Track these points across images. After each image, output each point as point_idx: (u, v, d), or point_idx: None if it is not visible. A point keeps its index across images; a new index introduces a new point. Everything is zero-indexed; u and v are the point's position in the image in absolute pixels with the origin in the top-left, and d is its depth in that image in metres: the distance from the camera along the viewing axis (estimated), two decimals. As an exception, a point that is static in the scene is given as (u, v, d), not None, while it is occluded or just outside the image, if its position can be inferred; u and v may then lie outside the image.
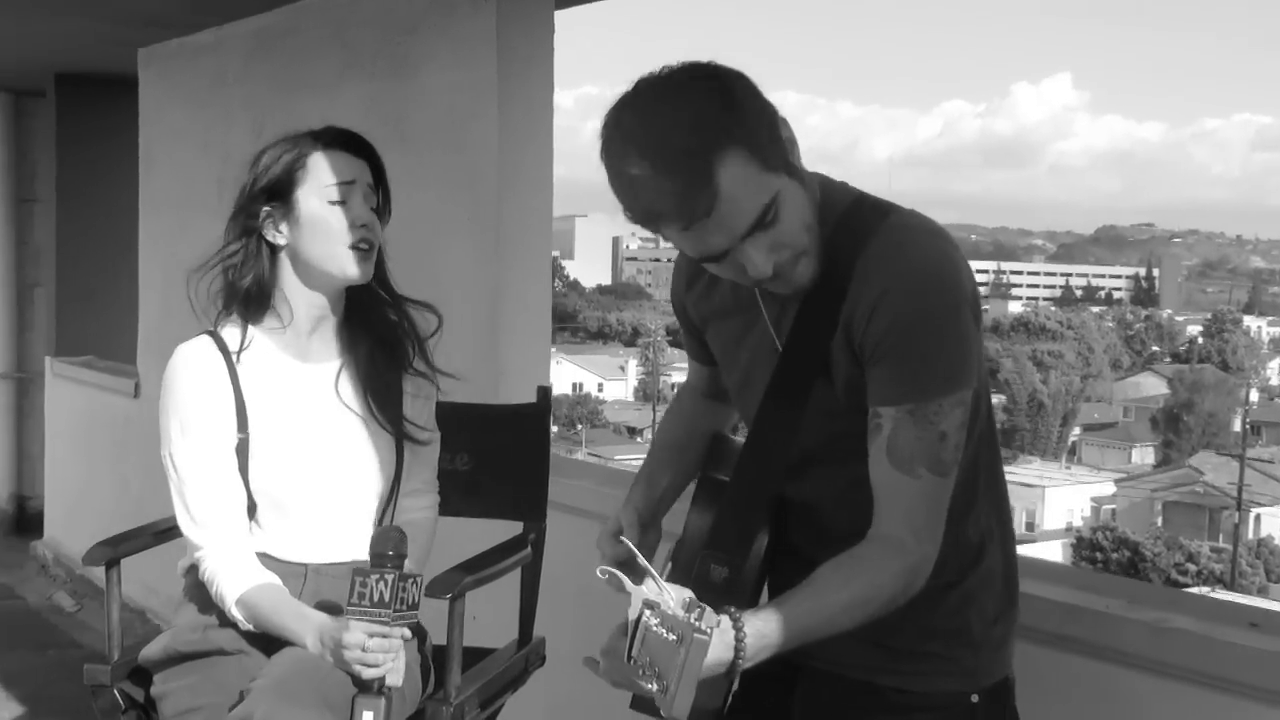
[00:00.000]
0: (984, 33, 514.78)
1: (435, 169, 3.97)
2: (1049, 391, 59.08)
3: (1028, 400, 58.33)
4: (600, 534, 2.04)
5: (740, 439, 2.07)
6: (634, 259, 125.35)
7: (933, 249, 1.81)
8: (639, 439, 54.50)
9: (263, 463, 2.37)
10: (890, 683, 1.92)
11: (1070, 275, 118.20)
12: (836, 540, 1.80)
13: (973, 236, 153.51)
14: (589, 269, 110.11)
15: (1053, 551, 34.38)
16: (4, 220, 7.72)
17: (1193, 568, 33.04)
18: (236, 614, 2.28)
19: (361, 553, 2.15)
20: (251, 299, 2.42)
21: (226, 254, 2.42)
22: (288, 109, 4.71)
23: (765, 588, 1.96)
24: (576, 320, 79.96)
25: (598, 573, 1.65)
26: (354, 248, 2.39)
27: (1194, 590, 15.21)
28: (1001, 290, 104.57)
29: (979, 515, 1.93)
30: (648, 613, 1.59)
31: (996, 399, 40.96)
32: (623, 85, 1.76)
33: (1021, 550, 2.13)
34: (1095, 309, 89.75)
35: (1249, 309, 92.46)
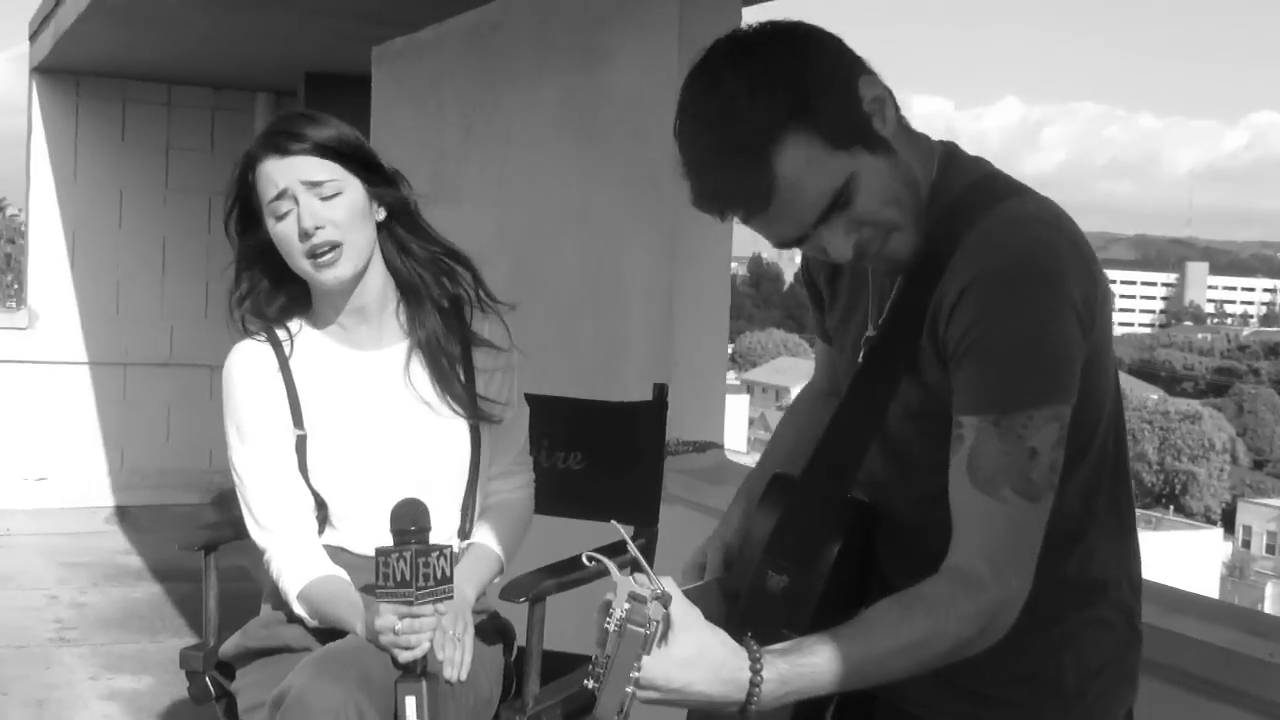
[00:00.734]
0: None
1: (620, 165, 3.89)
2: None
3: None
4: (685, 566, 1.88)
5: None
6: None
7: (1039, 239, 1.57)
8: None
9: (323, 458, 2.34)
10: None
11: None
12: (923, 566, 1.58)
13: (1278, 255, 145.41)
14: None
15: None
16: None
17: None
18: (299, 609, 2.26)
19: (440, 539, 2.08)
20: (271, 305, 2.39)
21: (245, 285, 2.40)
22: (493, 104, 4.72)
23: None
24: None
25: (583, 559, 1.50)
26: (309, 258, 2.30)
27: None
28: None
29: (1092, 553, 1.68)
30: (626, 606, 1.44)
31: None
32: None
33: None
34: None
35: None
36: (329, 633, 2.25)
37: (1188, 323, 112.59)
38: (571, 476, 2.55)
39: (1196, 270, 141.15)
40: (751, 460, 2.54)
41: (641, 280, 3.75)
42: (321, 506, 2.36)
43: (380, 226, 2.38)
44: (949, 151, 1.69)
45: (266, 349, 2.38)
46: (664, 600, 1.44)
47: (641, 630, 1.41)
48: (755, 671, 1.48)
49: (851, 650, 1.52)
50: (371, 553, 2.15)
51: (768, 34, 1.59)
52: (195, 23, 6.04)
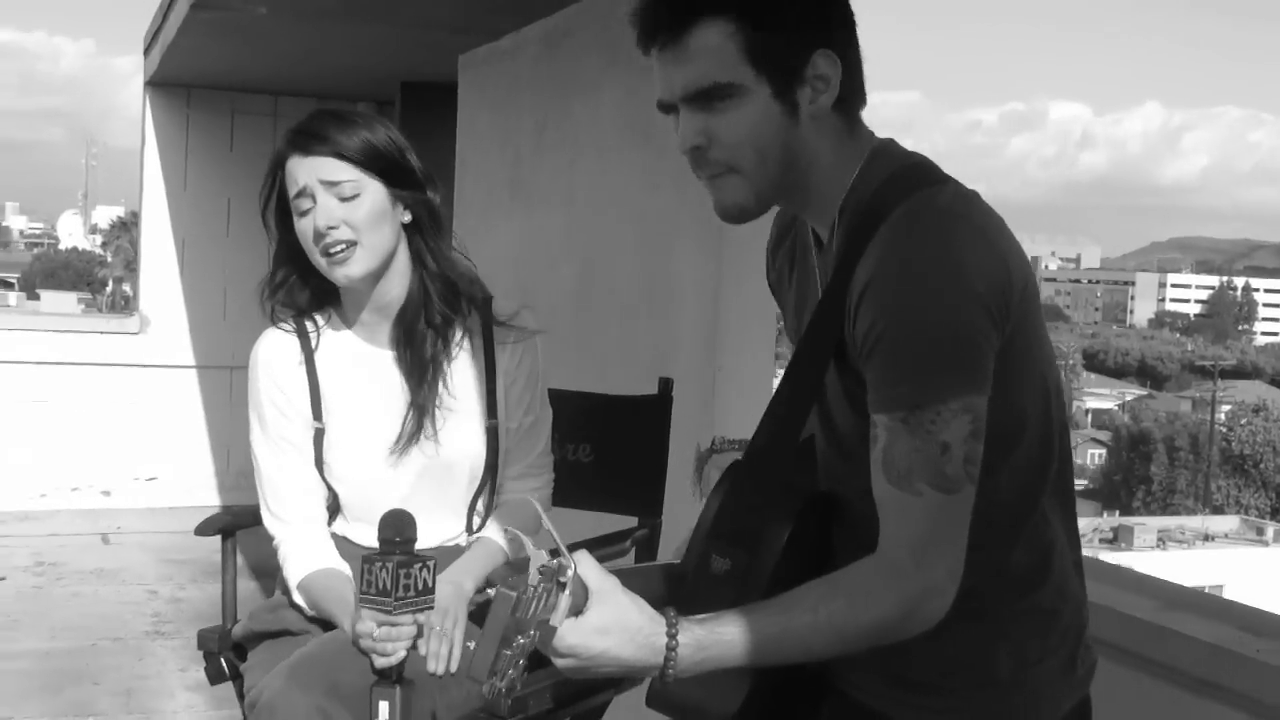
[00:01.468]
0: None
1: (671, 166, 3.93)
2: None
3: None
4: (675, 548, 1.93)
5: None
6: (1052, 279, 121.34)
7: (942, 233, 1.57)
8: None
9: (341, 452, 2.41)
10: (909, 718, 1.72)
11: None
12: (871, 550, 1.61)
13: None
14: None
15: None
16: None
17: None
18: (298, 598, 2.34)
19: (452, 539, 2.14)
20: (300, 296, 2.46)
21: (278, 278, 2.48)
22: (562, 110, 4.80)
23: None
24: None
25: (501, 532, 1.55)
26: (325, 255, 2.36)
27: None
28: None
29: (1031, 543, 1.68)
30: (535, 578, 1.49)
31: None
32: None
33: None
34: None
35: None
36: (327, 621, 2.33)
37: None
38: (580, 469, 2.60)
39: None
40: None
41: (692, 279, 3.79)
42: (334, 498, 2.44)
43: (407, 229, 2.44)
44: (880, 148, 1.70)
45: (293, 340, 2.45)
46: (557, 571, 1.48)
47: (512, 594, 1.46)
48: (671, 636, 1.53)
49: (770, 623, 1.56)
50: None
51: None
52: (293, 35, 6.23)
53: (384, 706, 1.99)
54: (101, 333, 8.12)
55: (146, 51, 7.78)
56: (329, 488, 2.43)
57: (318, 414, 2.43)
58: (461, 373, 2.44)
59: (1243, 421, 50.89)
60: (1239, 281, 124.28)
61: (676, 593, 1.72)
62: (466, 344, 2.47)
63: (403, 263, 2.43)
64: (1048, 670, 1.70)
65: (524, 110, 5.21)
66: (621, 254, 4.29)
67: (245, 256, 8.00)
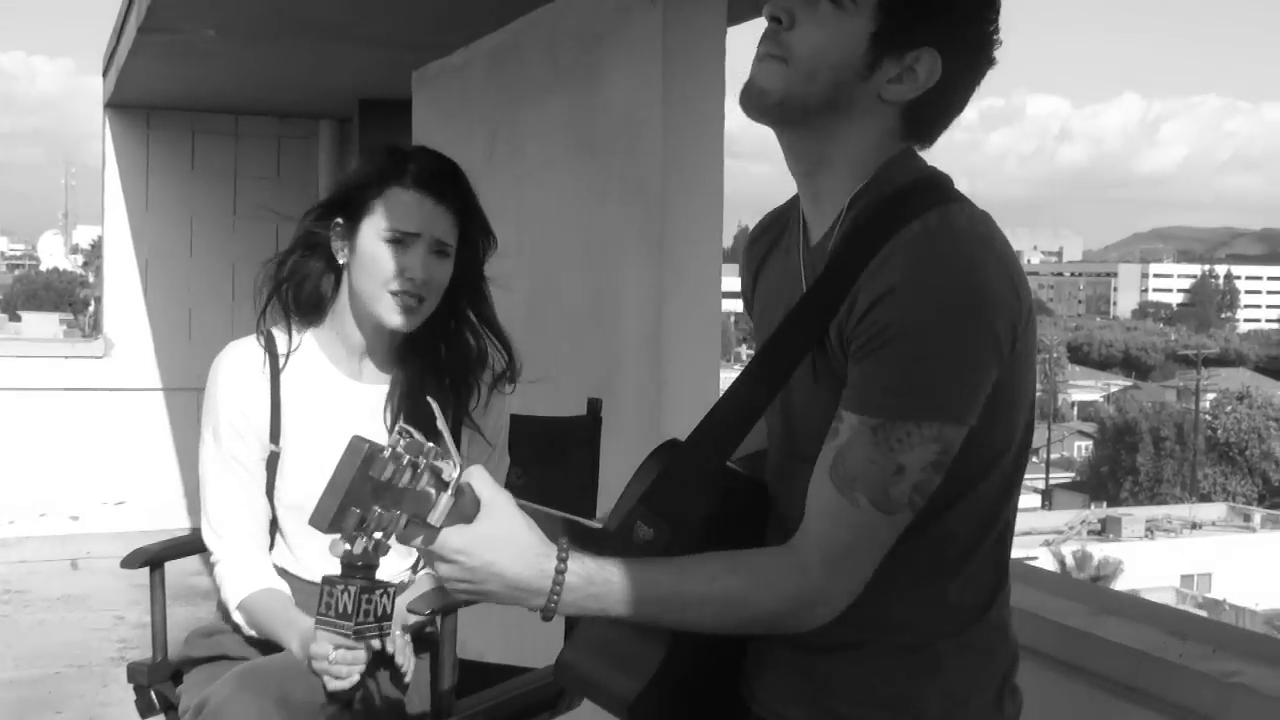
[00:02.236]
0: None
1: (615, 180, 3.94)
2: None
3: None
4: None
5: None
6: (1035, 273, 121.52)
7: (972, 259, 1.52)
8: (1034, 458, 52.73)
9: (291, 479, 2.38)
10: None
11: None
12: None
13: None
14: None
15: None
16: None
17: None
18: (238, 618, 2.32)
19: (396, 575, 2.12)
20: (303, 304, 2.42)
21: (287, 255, 2.42)
22: (511, 123, 4.80)
23: None
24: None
25: (396, 430, 1.49)
26: (397, 295, 2.33)
27: None
28: None
29: (974, 577, 1.63)
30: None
31: None
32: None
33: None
34: None
35: None
36: (267, 643, 2.32)
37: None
38: (512, 491, 2.58)
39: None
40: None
41: (636, 293, 3.78)
42: (276, 526, 2.42)
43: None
44: (907, 150, 1.65)
45: (260, 355, 2.42)
46: (428, 455, 1.44)
47: (364, 444, 1.41)
48: (561, 560, 1.50)
49: (662, 582, 1.53)
50: (316, 578, 2.19)
51: None
52: (248, 56, 6.21)
53: None
54: (67, 357, 8.09)
55: (105, 73, 7.76)
56: (274, 513, 2.41)
57: (275, 437, 2.40)
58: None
59: (1227, 409, 51.01)
60: (1220, 270, 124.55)
61: (587, 550, 1.64)
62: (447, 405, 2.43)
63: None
64: (976, 710, 1.65)
65: (475, 124, 5.21)
66: (569, 267, 4.29)
67: (209, 276, 8.00)
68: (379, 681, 2.21)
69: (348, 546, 1.47)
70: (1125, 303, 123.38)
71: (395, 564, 2.29)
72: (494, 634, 2.51)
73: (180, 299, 7.97)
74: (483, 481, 1.52)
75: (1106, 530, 38.32)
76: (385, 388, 2.43)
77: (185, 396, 7.92)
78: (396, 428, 1.45)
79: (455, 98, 5.49)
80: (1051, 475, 51.29)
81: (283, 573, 2.40)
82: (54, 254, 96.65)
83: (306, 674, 2.09)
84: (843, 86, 1.58)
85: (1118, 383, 70.69)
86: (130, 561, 2.57)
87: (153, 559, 2.57)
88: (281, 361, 2.41)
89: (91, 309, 56.18)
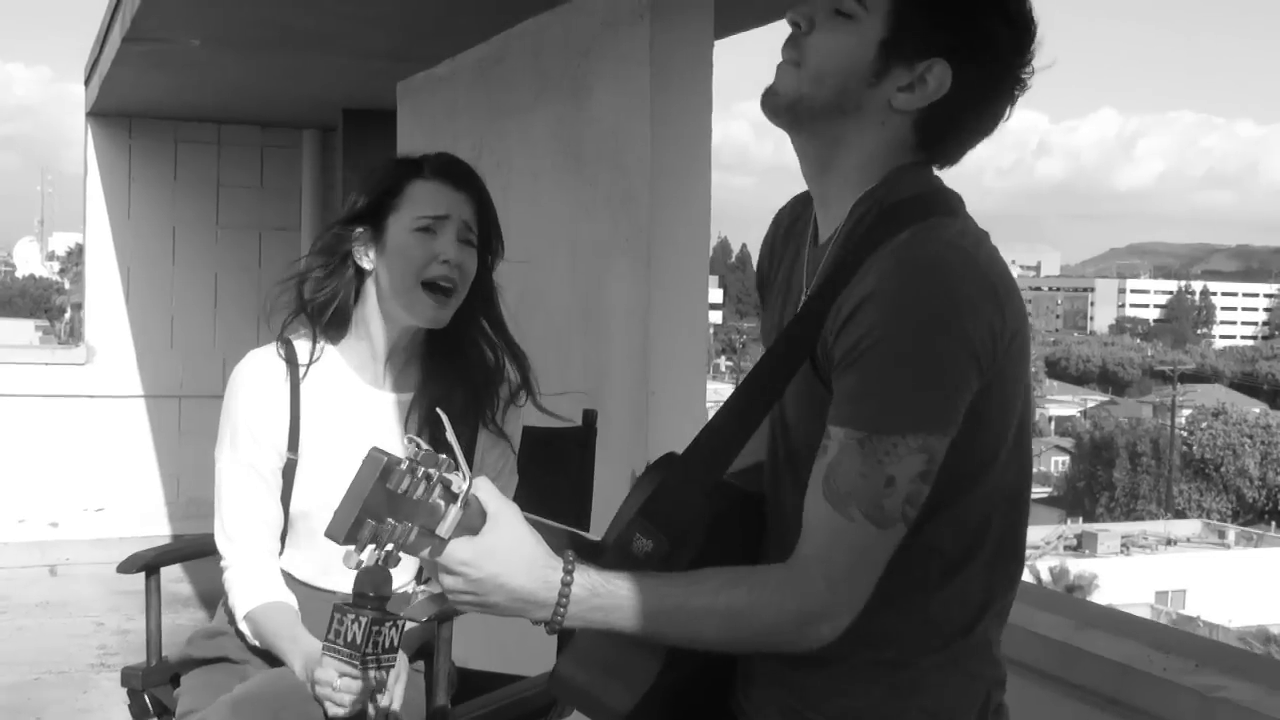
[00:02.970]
0: None
1: (603, 192, 3.96)
2: None
3: None
4: None
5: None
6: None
7: (947, 266, 1.53)
8: (1011, 473, 52.78)
9: (306, 487, 2.38)
10: None
11: None
12: None
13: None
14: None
15: None
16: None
17: None
18: (244, 628, 2.33)
19: (401, 586, 2.13)
20: (328, 317, 2.42)
21: (308, 267, 2.43)
22: (497, 135, 4.81)
23: None
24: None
25: (408, 440, 1.50)
26: (430, 286, 2.34)
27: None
28: None
29: (962, 594, 1.63)
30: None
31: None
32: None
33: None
34: None
35: None
36: (269, 652, 2.32)
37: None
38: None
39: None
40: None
41: (623, 304, 3.80)
42: (289, 532, 2.42)
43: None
44: (920, 164, 1.66)
45: (281, 366, 2.42)
46: (440, 468, 1.45)
47: (383, 457, 1.42)
48: (567, 573, 1.51)
49: (667, 596, 1.54)
50: (322, 585, 2.18)
51: None
52: (232, 65, 6.22)
53: None
54: (47, 364, 8.07)
55: (87, 82, 7.75)
56: (288, 520, 2.41)
57: (293, 445, 2.41)
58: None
59: (1203, 425, 51.26)
60: (1196, 286, 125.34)
61: (588, 561, 1.65)
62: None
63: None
64: None
65: (460, 136, 5.21)
66: (556, 279, 4.30)
67: (191, 284, 7.99)
68: (379, 709, 2.21)
69: (361, 558, 1.47)
70: (1102, 318, 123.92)
71: (399, 576, 2.30)
72: (485, 642, 2.51)
73: (162, 307, 7.97)
74: (489, 493, 1.52)
75: (1083, 545, 38.44)
76: (408, 395, 2.45)
77: (167, 404, 7.92)
78: (407, 438, 1.47)
79: (441, 109, 5.50)
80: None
81: (291, 579, 2.40)
82: (30, 261, 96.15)
83: (303, 698, 2.09)
84: (849, 92, 1.60)
85: (1095, 398, 70.96)
86: (127, 566, 2.59)
87: (148, 564, 2.57)
88: (302, 371, 2.41)
89: (68, 316, 55.95)
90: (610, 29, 3.90)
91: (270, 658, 2.32)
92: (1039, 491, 52.50)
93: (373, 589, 1.95)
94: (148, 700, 2.48)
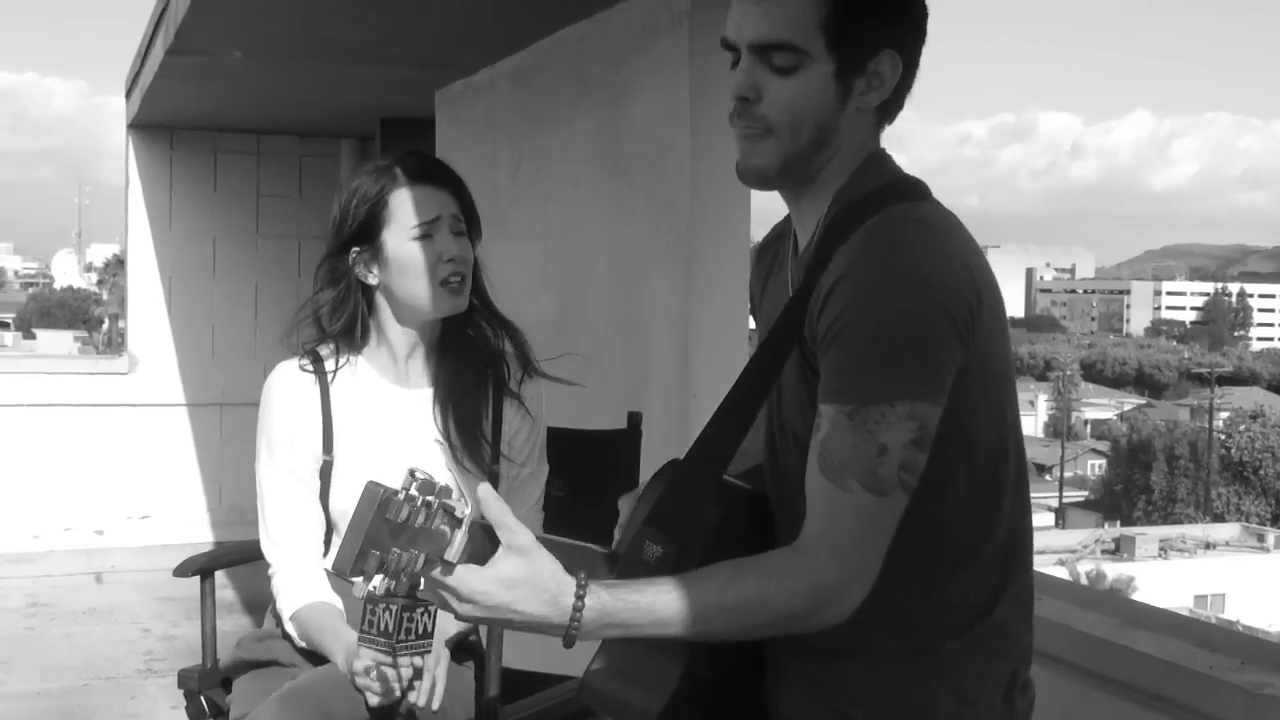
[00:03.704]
0: None
1: (642, 198, 3.99)
2: None
3: None
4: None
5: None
6: (1047, 290, 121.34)
7: (918, 243, 1.59)
8: (1047, 476, 52.67)
9: (344, 486, 2.45)
10: None
11: None
12: None
13: None
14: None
15: None
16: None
17: None
18: (290, 629, 2.37)
19: None
20: (346, 337, 2.49)
21: (319, 302, 2.50)
22: (536, 143, 4.86)
23: None
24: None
25: (407, 472, 1.53)
26: (443, 283, 2.43)
27: None
28: None
29: (978, 576, 1.67)
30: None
31: None
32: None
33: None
34: None
35: None
36: (316, 654, 2.37)
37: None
38: (554, 503, 2.63)
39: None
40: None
41: (663, 309, 3.83)
42: (329, 531, 2.48)
43: None
44: (876, 154, 1.72)
45: (309, 376, 2.51)
46: (440, 494, 1.50)
47: (379, 489, 1.47)
48: (579, 598, 1.55)
49: (677, 598, 1.57)
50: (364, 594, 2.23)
51: None
52: (272, 76, 6.28)
53: None
54: (91, 373, 8.16)
55: (128, 95, 7.84)
56: (329, 519, 2.47)
57: (328, 447, 2.48)
58: (481, 416, 2.50)
59: (1241, 428, 50.86)
60: (1233, 287, 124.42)
61: (603, 572, 1.70)
62: (487, 387, 2.54)
63: None
64: (987, 709, 1.69)
65: (499, 144, 5.26)
66: (596, 286, 4.34)
67: (231, 294, 8.07)
68: (417, 695, 2.26)
69: (371, 588, 1.51)
70: (1138, 320, 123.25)
71: None
72: (530, 642, 2.53)
73: (204, 316, 8.05)
74: (500, 516, 1.56)
75: (1120, 549, 38.18)
76: (430, 390, 2.51)
77: (209, 411, 7.99)
78: (407, 469, 1.51)
79: (479, 116, 5.55)
80: (1065, 494, 51.16)
81: (334, 576, 2.45)
82: (68, 272, 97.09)
83: (349, 689, 2.14)
84: (826, 126, 1.67)
85: (1131, 401, 70.56)
86: (183, 570, 2.64)
87: (203, 568, 2.62)
88: (330, 377, 2.48)
89: (105, 326, 56.38)
90: (650, 35, 3.93)
91: (318, 660, 2.36)
92: (1075, 495, 52.26)
93: (384, 599, 2.00)
94: (204, 702, 2.53)
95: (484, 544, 1.53)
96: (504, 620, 1.57)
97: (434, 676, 2.23)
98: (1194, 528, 41.61)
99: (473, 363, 2.53)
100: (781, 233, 1.86)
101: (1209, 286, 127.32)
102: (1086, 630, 2.35)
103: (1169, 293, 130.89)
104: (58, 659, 5.76)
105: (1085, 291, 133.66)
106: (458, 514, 1.51)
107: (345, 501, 2.43)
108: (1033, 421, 64.63)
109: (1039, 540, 34.54)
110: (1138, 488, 49.92)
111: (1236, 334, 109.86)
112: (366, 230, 2.46)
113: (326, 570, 2.45)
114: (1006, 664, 1.71)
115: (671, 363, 3.77)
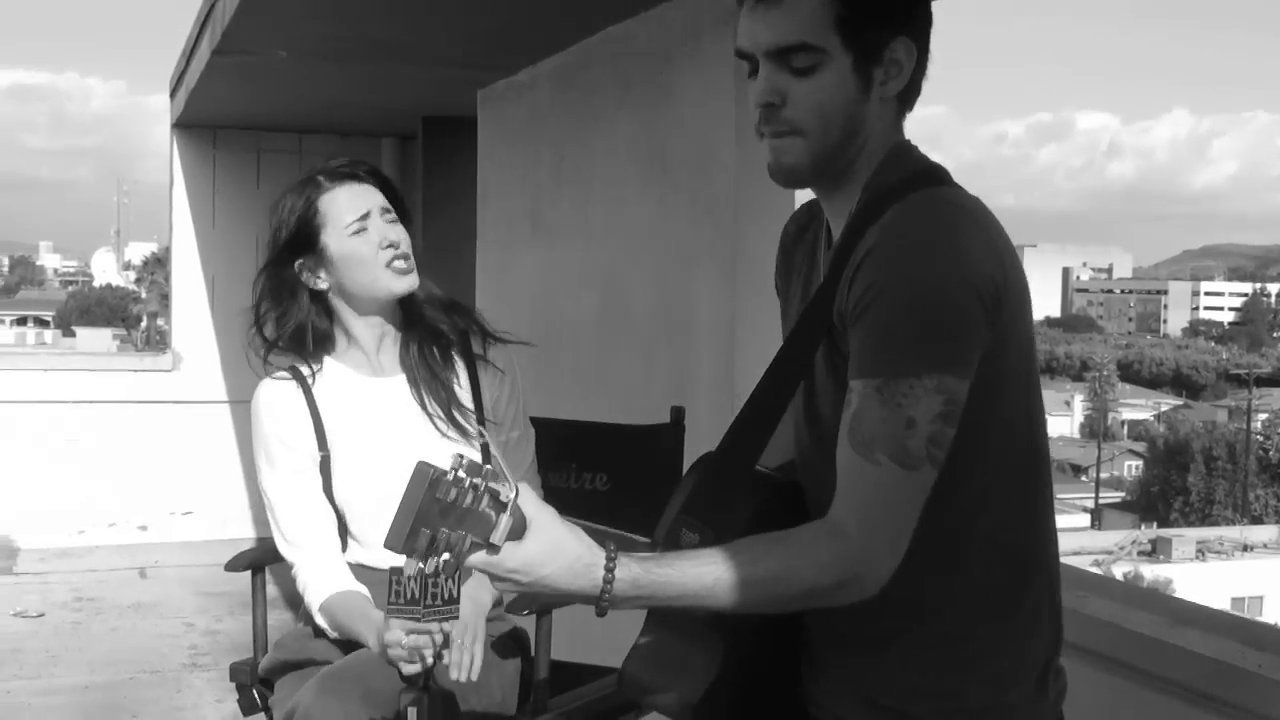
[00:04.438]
0: None
1: (686, 198, 4.01)
2: None
3: None
4: None
5: None
6: (1084, 290, 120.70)
7: (947, 221, 1.61)
8: (1083, 477, 52.42)
9: (345, 476, 2.52)
10: None
11: None
12: None
13: None
14: (1036, 301, 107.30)
15: None
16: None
17: None
18: (321, 622, 2.43)
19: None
20: (302, 344, 2.57)
21: (260, 313, 2.58)
22: (580, 142, 4.88)
23: None
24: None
25: (454, 455, 1.56)
26: (389, 266, 2.52)
27: None
28: None
29: (1005, 560, 1.68)
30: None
31: None
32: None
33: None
34: None
35: None
36: (351, 646, 2.42)
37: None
38: (598, 497, 2.67)
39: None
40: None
41: (708, 308, 3.86)
42: (343, 524, 2.54)
43: None
44: (902, 145, 1.74)
45: (291, 385, 2.60)
46: (489, 479, 1.52)
47: (429, 469, 1.50)
48: (609, 569, 1.56)
49: (708, 570, 1.57)
50: (385, 567, 2.27)
51: None
52: (315, 76, 6.33)
53: (412, 713, 2.08)
54: (136, 370, 8.25)
55: (172, 95, 7.92)
56: (338, 513, 2.53)
57: (322, 444, 2.56)
58: (455, 388, 2.57)
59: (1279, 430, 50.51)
60: (1272, 288, 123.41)
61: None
62: (457, 361, 2.63)
63: None
64: (1020, 696, 1.70)
65: (542, 143, 5.29)
66: (639, 285, 4.36)
67: (274, 292, 8.13)
68: (458, 670, 2.30)
69: (420, 565, 1.54)
70: (1176, 321, 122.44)
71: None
72: (575, 634, 2.57)
73: (246, 315, 8.08)
74: (529, 499, 1.58)
75: (1157, 551, 37.95)
76: (403, 376, 2.61)
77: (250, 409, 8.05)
78: (453, 453, 1.55)
79: (522, 116, 5.58)
80: (1101, 495, 50.87)
81: (358, 568, 2.50)
82: (107, 270, 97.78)
83: (384, 666, 2.18)
84: (853, 119, 1.68)
85: (1168, 401, 70.14)
86: (235, 564, 2.68)
87: (254, 562, 2.66)
88: (310, 380, 2.55)
89: (144, 324, 56.83)
90: (694, 35, 3.96)
91: (353, 651, 2.40)
92: (1111, 496, 51.96)
93: (432, 577, 2.06)
94: (256, 695, 2.57)
95: (520, 523, 1.56)
96: (539, 593, 1.60)
97: (470, 651, 2.27)
98: (1231, 530, 41.32)
99: (438, 340, 2.61)
100: (806, 225, 1.88)
101: (1247, 287, 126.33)
102: (1135, 629, 2.36)
103: (1207, 293, 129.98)
104: (104, 653, 5.82)
105: (1122, 291, 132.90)
106: (502, 498, 1.53)
107: (349, 491, 2.51)
108: (1069, 422, 64.35)
109: (1074, 541, 34.43)
110: (1174, 489, 49.59)
111: (1275, 335, 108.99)
112: (305, 239, 2.55)
113: (349, 563, 2.50)
114: (1039, 650, 1.72)
115: (716, 361, 3.79)
